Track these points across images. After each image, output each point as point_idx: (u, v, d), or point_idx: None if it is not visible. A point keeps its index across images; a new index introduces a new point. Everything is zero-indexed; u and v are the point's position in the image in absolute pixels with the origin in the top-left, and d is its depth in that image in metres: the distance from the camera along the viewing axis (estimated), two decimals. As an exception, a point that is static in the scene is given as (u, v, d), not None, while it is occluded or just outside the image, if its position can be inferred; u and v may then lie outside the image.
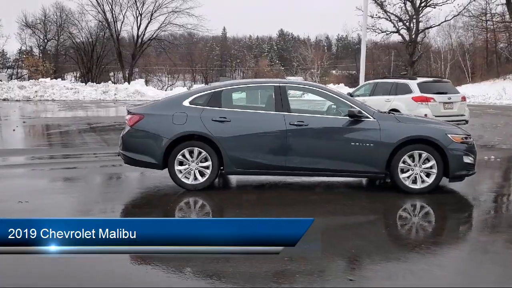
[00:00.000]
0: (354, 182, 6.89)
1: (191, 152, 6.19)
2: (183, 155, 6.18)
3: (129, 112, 6.51)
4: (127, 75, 45.70)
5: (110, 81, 42.56)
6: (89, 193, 6.40)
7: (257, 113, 6.35)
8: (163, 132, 6.20)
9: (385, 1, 47.00)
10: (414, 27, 47.97)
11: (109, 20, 47.11)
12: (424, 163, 6.02)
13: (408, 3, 47.80)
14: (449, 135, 6.04)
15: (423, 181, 6.05)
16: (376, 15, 47.40)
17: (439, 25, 47.29)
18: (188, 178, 6.21)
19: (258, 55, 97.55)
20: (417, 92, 11.91)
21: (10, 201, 5.62)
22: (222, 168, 6.21)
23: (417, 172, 6.03)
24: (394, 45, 62.39)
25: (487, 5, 49.71)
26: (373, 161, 6.06)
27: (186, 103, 6.35)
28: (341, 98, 6.38)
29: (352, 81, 51.40)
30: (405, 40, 48.44)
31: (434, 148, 5.99)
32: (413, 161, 6.03)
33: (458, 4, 45.36)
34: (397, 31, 48.21)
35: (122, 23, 47.87)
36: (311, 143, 6.13)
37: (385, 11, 47.36)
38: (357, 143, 6.06)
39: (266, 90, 6.69)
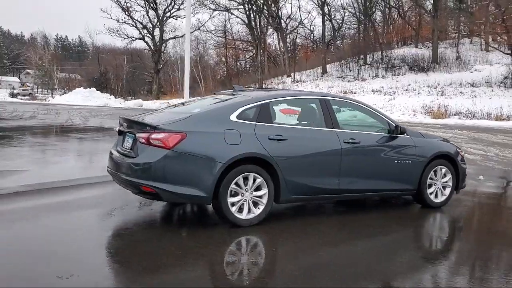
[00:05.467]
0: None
1: (245, 179, 4.91)
2: (237, 184, 4.85)
3: (155, 129, 4.68)
4: None
5: None
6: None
7: (311, 130, 5.48)
8: (216, 154, 4.72)
9: (131, 6, 46.40)
10: (159, 36, 48.81)
11: None
12: (442, 177, 6.34)
13: (152, 12, 48.48)
14: (458, 150, 6.55)
15: (442, 195, 6.37)
16: (122, 19, 46.38)
17: (181, 36, 49.32)
18: (241, 212, 4.91)
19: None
20: (283, 105, 12.26)
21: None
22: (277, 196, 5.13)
23: (439, 186, 6.31)
24: (123, 51, 62.26)
25: (228, 23, 54.89)
26: (410, 178, 6.02)
27: (233, 117, 4.99)
28: (379, 114, 6.11)
29: (98, 86, 48.81)
30: (150, 48, 48.81)
31: (450, 163, 6.38)
32: (435, 176, 6.29)
33: (199, 19, 48.63)
34: (142, 38, 48.21)
35: None
36: (363, 162, 5.67)
37: (131, 17, 46.72)
38: (399, 161, 5.92)
39: (310, 104, 5.85)
